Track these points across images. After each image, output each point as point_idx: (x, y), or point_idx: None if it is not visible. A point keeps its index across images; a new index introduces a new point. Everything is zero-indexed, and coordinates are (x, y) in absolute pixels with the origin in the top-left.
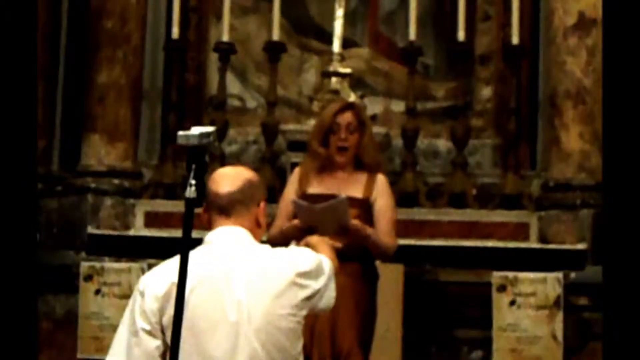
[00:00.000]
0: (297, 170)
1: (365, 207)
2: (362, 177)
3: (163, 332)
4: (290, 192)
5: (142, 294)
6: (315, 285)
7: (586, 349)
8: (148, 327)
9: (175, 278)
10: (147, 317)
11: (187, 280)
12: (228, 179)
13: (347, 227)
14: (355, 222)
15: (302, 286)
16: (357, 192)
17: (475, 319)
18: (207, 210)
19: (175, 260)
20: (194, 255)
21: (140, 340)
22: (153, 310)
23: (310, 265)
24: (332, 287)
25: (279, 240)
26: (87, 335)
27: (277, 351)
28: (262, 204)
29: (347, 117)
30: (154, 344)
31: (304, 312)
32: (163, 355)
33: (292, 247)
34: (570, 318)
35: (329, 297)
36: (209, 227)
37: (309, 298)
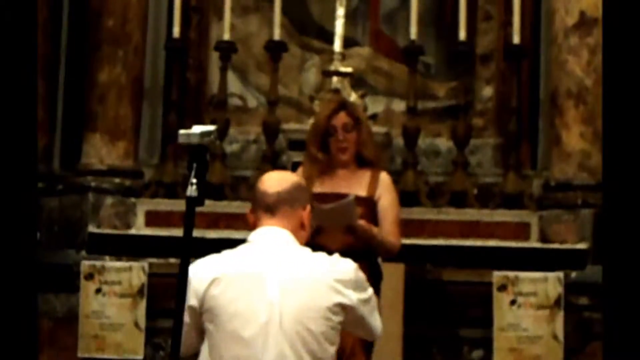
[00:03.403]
0: (300, 170)
1: (369, 206)
2: (366, 175)
3: (202, 318)
4: None
5: (189, 283)
6: (351, 296)
7: (587, 349)
8: (193, 309)
9: (217, 273)
10: (190, 303)
11: (222, 275)
12: (276, 179)
13: (353, 227)
14: (362, 222)
15: (337, 291)
16: (361, 191)
17: (476, 318)
18: (253, 211)
19: (224, 254)
20: (235, 252)
21: (186, 324)
22: (195, 298)
23: (349, 274)
24: (376, 316)
25: None
26: (88, 334)
27: (306, 353)
28: (307, 208)
29: (341, 117)
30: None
31: (338, 318)
32: (202, 337)
33: (336, 255)
34: (571, 318)
35: (372, 326)
36: (253, 227)
37: (343, 307)
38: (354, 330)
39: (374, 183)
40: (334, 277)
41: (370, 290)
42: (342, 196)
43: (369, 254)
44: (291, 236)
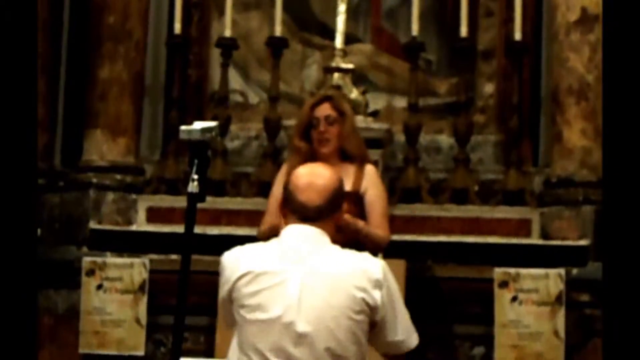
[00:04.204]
0: (284, 166)
1: (355, 200)
2: (350, 169)
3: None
4: (278, 188)
5: (221, 271)
6: (376, 295)
7: (588, 345)
8: (224, 298)
9: (246, 267)
10: (223, 292)
11: (249, 270)
12: (315, 190)
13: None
14: (346, 216)
15: (361, 289)
16: (346, 185)
17: (477, 315)
18: (286, 210)
19: (255, 248)
20: (264, 247)
21: (222, 308)
22: (226, 287)
23: (376, 273)
24: (405, 323)
25: (269, 237)
26: (89, 330)
27: (324, 351)
28: (343, 207)
29: (324, 109)
30: (230, 314)
31: (361, 317)
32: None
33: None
34: (572, 314)
35: (399, 331)
36: (285, 223)
37: (367, 305)
38: (382, 340)
39: (359, 177)
40: (358, 275)
41: (397, 289)
42: None
43: (357, 249)
44: (323, 234)
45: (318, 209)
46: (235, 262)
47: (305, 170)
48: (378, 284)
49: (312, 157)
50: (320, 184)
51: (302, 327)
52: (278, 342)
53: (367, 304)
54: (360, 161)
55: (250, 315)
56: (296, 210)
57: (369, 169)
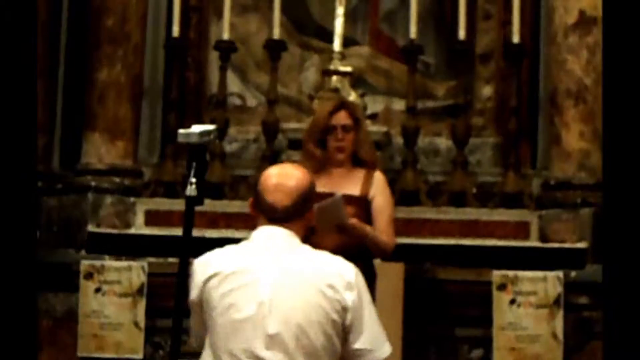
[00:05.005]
0: None
1: (363, 205)
2: (360, 174)
3: (202, 313)
4: None
5: (192, 278)
6: (347, 297)
7: (586, 348)
8: (194, 302)
9: (216, 268)
10: (192, 296)
11: (219, 271)
12: (283, 191)
13: (344, 225)
14: (354, 220)
15: (333, 289)
16: (355, 190)
17: (476, 317)
18: (256, 211)
19: (226, 250)
20: (235, 248)
21: (192, 311)
22: (195, 292)
23: (347, 276)
24: (377, 328)
25: None
26: (87, 333)
27: (295, 350)
28: (313, 207)
29: (341, 116)
30: (198, 317)
31: (334, 317)
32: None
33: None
34: (571, 317)
35: (373, 336)
36: (256, 219)
37: (339, 303)
38: (347, 347)
39: (368, 182)
40: (331, 275)
41: (369, 297)
42: (332, 196)
43: (363, 254)
44: (293, 235)
45: (286, 209)
46: (204, 265)
47: (275, 170)
48: (350, 286)
49: (324, 163)
50: (289, 185)
51: (273, 327)
52: (250, 343)
53: (339, 302)
54: (370, 167)
55: (222, 318)
56: (265, 210)
57: (378, 175)
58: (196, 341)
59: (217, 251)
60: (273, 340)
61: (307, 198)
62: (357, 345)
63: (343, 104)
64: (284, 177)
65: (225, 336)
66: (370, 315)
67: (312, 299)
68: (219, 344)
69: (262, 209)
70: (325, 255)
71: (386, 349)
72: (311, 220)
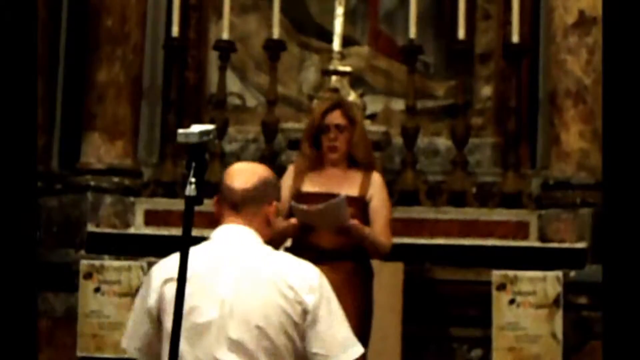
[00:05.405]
0: (290, 168)
1: (360, 206)
2: (357, 175)
3: (159, 319)
4: (284, 190)
5: (147, 282)
6: (308, 299)
7: (586, 348)
8: (147, 310)
9: (173, 272)
10: (148, 301)
11: (174, 274)
12: (243, 175)
13: (345, 226)
14: (354, 222)
15: (294, 290)
16: (353, 191)
17: (475, 317)
18: (219, 202)
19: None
20: (195, 250)
21: (143, 321)
22: (152, 297)
23: (309, 279)
24: (343, 331)
25: (275, 238)
26: (87, 333)
27: (256, 351)
28: (274, 203)
29: (335, 116)
30: (149, 327)
31: (296, 318)
32: (158, 339)
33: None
34: (570, 317)
35: (337, 339)
36: (218, 219)
37: (300, 305)
38: (307, 351)
39: (365, 183)
40: (293, 277)
41: (335, 302)
42: (334, 196)
43: (360, 253)
44: (254, 235)
45: (244, 193)
46: (161, 269)
47: (239, 164)
48: (312, 290)
49: (319, 162)
50: (249, 170)
51: (234, 331)
52: (213, 348)
53: (300, 304)
54: (367, 168)
55: (184, 322)
56: (225, 197)
57: (376, 176)
58: (128, 344)
59: (175, 255)
60: (234, 344)
61: (266, 187)
62: (314, 349)
63: (338, 104)
64: (245, 166)
65: (190, 341)
66: (333, 321)
67: (271, 300)
68: (184, 350)
69: (223, 195)
70: (288, 257)
71: (350, 354)
72: (271, 217)
